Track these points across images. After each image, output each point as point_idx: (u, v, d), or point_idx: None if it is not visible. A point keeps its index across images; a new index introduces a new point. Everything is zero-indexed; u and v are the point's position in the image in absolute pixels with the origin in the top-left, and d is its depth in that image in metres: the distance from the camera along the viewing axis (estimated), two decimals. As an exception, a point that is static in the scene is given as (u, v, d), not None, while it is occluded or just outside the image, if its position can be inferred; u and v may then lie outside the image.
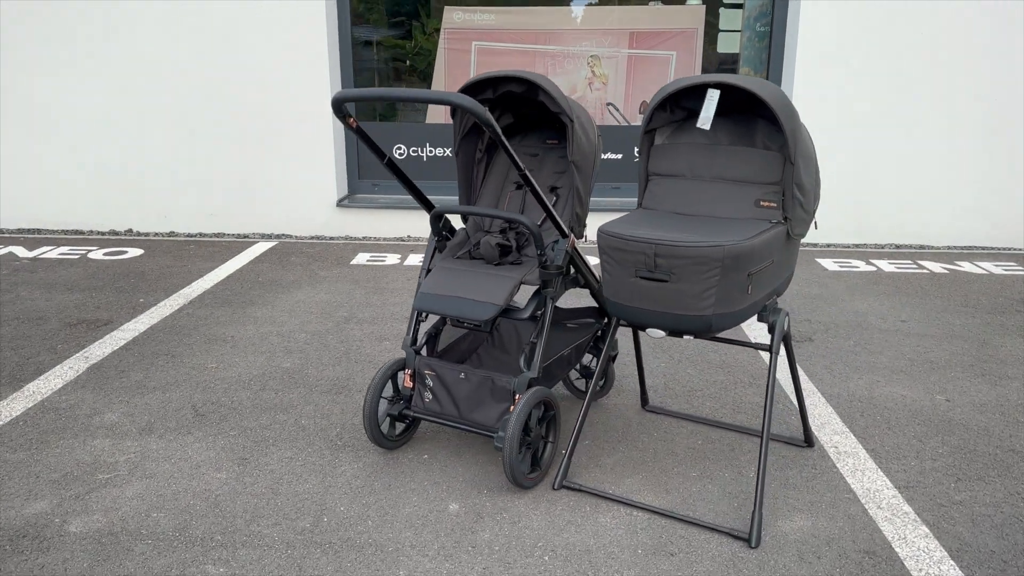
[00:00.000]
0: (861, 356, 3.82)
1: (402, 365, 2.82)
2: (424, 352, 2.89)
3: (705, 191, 2.55)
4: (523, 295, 2.90)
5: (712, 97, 2.42)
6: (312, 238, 6.25)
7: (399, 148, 6.39)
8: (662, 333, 2.34)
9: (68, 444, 2.91)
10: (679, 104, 2.61)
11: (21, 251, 5.70)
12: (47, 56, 5.98)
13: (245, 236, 6.28)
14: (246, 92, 6.00)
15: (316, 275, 5.17)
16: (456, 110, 2.84)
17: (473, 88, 2.78)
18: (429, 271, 2.82)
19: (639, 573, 2.20)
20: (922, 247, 6.05)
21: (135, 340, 3.96)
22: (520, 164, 2.37)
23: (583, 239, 2.82)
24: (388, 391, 2.87)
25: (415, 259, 5.62)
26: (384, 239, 6.22)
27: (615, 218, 2.48)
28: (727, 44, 6.43)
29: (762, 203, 2.47)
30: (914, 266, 5.48)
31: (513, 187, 3.04)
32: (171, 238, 6.20)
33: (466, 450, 2.87)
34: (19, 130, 6.14)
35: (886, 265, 5.51)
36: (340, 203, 6.21)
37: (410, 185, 2.78)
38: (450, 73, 6.40)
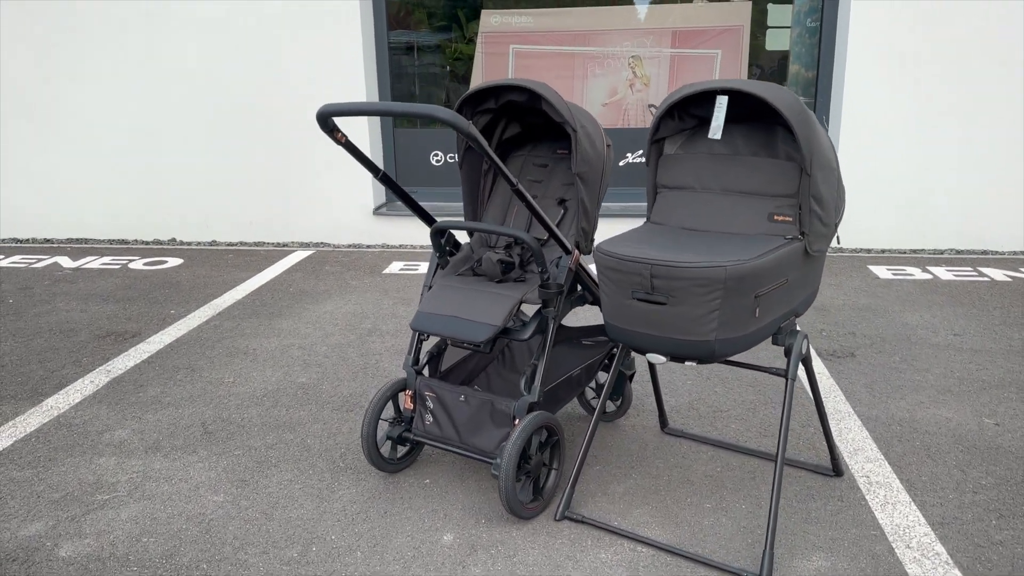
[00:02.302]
0: (906, 374, 3.57)
1: (403, 386, 2.72)
2: (426, 372, 2.78)
3: (714, 204, 2.38)
4: (529, 310, 2.77)
5: (721, 104, 2.25)
6: (349, 246, 6.22)
7: (436, 155, 6.32)
8: (663, 359, 2.18)
9: (74, 462, 2.90)
10: (688, 111, 2.44)
11: (66, 261, 5.81)
12: (89, 67, 6.09)
13: (284, 245, 6.30)
14: (284, 101, 6.01)
15: (347, 285, 5.13)
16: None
17: (474, 98, 2.67)
18: (430, 288, 2.71)
19: (634, 617, 2.05)
20: (985, 252, 5.69)
21: (159, 353, 3.96)
22: (511, 178, 2.24)
23: (591, 253, 2.67)
24: (390, 412, 2.78)
25: (448, 268, 5.53)
26: (420, 246, 6.16)
27: (616, 235, 2.33)
28: (776, 41, 6.18)
29: (776, 217, 2.29)
30: (974, 273, 5.15)
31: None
32: (212, 247, 6.25)
33: (470, 475, 2.75)
34: (65, 141, 6.28)
35: (943, 272, 5.19)
36: (377, 211, 6.17)
37: (408, 199, 2.68)
38: (488, 78, 6.29)
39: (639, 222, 6.04)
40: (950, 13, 5.38)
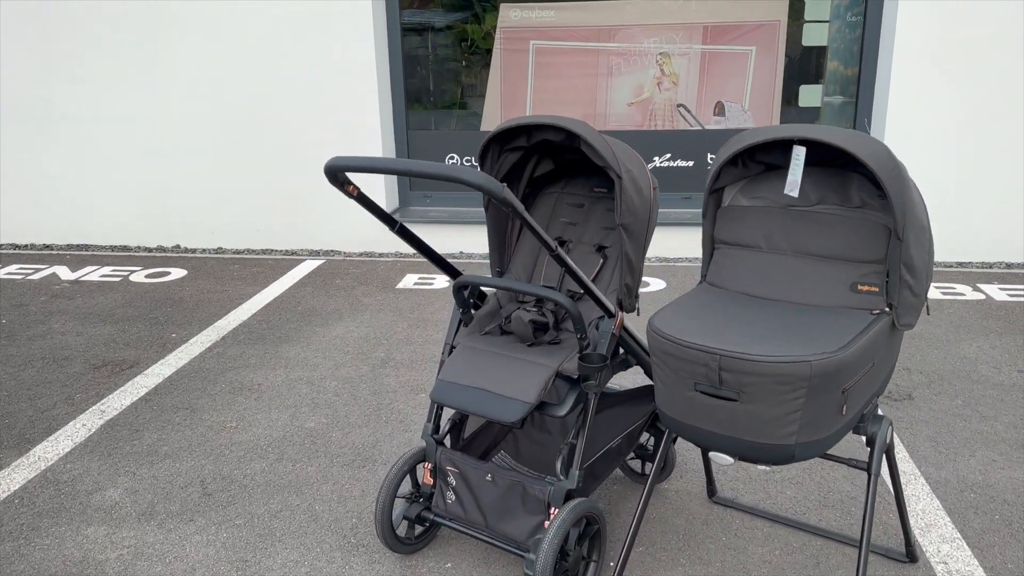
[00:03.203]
0: (972, 422, 3.24)
1: (421, 456, 2.43)
2: (448, 442, 2.48)
3: (786, 269, 2.05)
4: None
5: (799, 156, 1.92)
6: (361, 255, 5.91)
7: (452, 158, 5.98)
8: (730, 460, 1.87)
9: (60, 533, 2.62)
10: (753, 158, 2.11)
11: (65, 272, 5.53)
12: (94, 70, 5.78)
13: (293, 252, 5.99)
14: (291, 104, 5.68)
15: (358, 302, 4.82)
16: (485, 153, 2.41)
17: (504, 136, 2.34)
18: (453, 348, 2.40)
19: None
20: (1038, 266, 5.33)
21: (157, 389, 3.68)
22: (550, 243, 1.92)
23: (635, 311, 2.36)
24: (407, 486, 2.48)
25: (466, 282, 5.22)
26: (436, 256, 5.83)
27: (669, 304, 2.01)
28: (813, 36, 5.79)
29: (861, 287, 1.96)
30: (1030, 292, 4.80)
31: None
32: (218, 255, 5.96)
33: (496, 559, 2.46)
34: (67, 142, 5.98)
35: (995, 291, 4.83)
36: (390, 217, 5.84)
37: (427, 251, 2.37)
38: (506, 77, 5.94)
39: (675, 233, 5.73)
40: (1002, 11, 4.98)
